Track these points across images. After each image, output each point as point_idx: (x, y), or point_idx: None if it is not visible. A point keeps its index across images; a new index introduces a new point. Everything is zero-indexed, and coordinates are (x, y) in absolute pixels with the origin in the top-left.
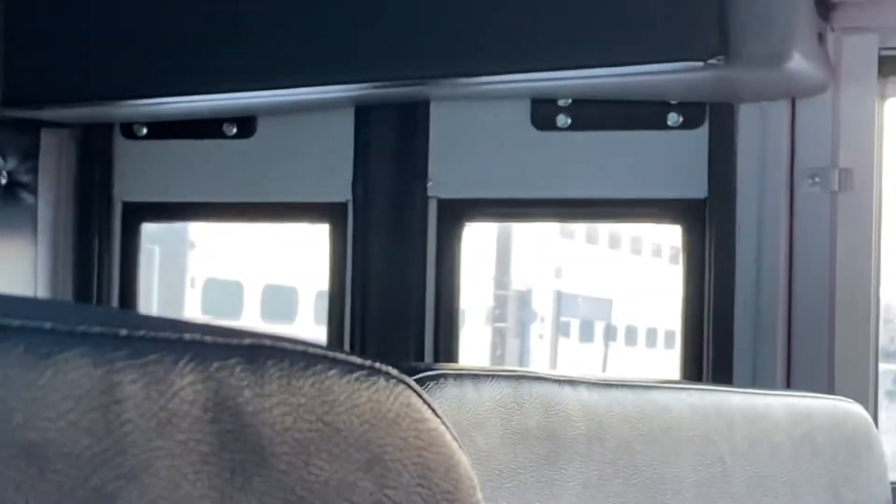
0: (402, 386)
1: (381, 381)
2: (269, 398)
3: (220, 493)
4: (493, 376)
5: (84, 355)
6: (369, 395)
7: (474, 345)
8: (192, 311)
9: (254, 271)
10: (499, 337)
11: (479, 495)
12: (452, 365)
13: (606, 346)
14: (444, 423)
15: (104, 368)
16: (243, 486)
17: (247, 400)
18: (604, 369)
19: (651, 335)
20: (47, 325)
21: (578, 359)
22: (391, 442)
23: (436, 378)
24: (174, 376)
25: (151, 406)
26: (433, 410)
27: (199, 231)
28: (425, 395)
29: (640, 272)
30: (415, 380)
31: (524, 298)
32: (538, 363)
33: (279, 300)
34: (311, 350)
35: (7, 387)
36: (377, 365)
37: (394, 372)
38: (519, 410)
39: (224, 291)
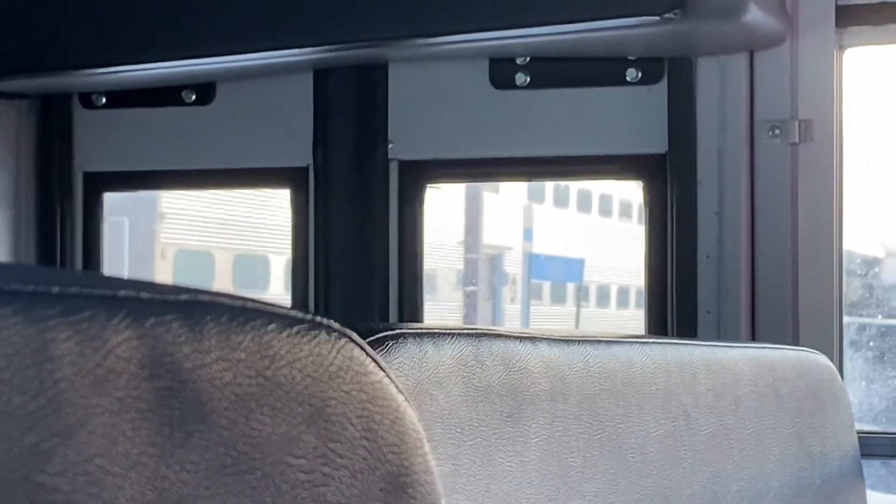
0: (344, 339)
1: (323, 335)
2: (207, 354)
3: (159, 449)
4: (453, 334)
5: (16, 313)
6: (310, 348)
7: (445, 309)
8: (164, 281)
9: (225, 241)
10: (470, 300)
11: (427, 447)
12: (412, 324)
13: (578, 307)
14: (388, 377)
15: (37, 326)
16: (183, 442)
17: (185, 356)
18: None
19: (623, 295)
20: None
21: (550, 321)
22: (334, 395)
23: (395, 337)
24: (109, 333)
25: (86, 363)
26: (377, 363)
27: (169, 202)
28: (368, 349)
29: (609, 233)
30: (374, 339)
31: (495, 261)
32: (510, 326)
33: (251, 269)
34: (250, 305)
35: None
36: (318, 319)
37: (336, 326)
38: (480, 368)
39: (195, 262)
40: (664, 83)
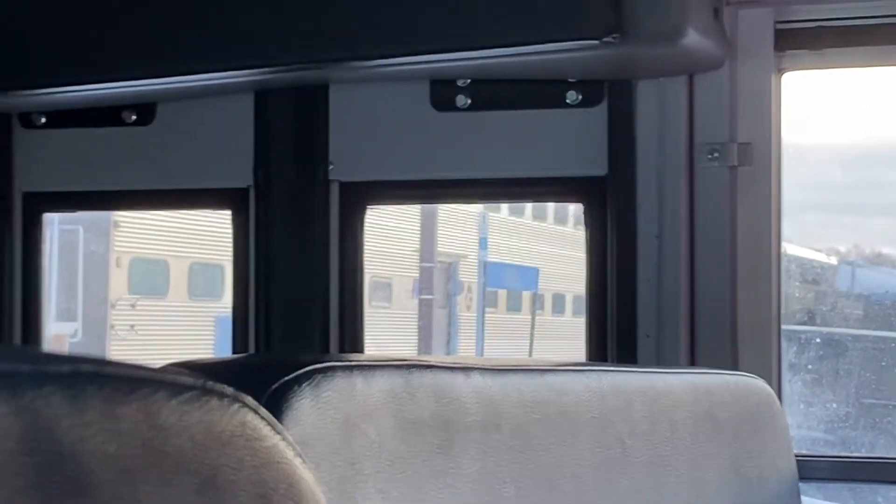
0: (237, 405)
1: (214, 401)
2: (89, 426)
3: None
4: (383, 366)
5: None
6: (201, 415)
7: (400, 317)
8: (118, 290)
9: (180, 250)
10: (425, 309)
11: None
12: (343, 356)
13: (533, 315)
14: (285, 440)
15: None
16: None
17: (65, 429)
18: (531, 338)
19: (578, 303)
20: None
21: (506, 329)
22: (225, 462)
23: (324, 371)
24: None
25: None
26: (273, 427)
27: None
28: (264, 412)
29: (565, 241)
30: (303, 373)
31: (450, 270)
32: (465, 334)
33: (206, 278)
34: (136, 374)
35: None
36: (209, 385)
37: (228, 391)
38: (411, 400)
39: (150, 270)
40: (604, 106)
